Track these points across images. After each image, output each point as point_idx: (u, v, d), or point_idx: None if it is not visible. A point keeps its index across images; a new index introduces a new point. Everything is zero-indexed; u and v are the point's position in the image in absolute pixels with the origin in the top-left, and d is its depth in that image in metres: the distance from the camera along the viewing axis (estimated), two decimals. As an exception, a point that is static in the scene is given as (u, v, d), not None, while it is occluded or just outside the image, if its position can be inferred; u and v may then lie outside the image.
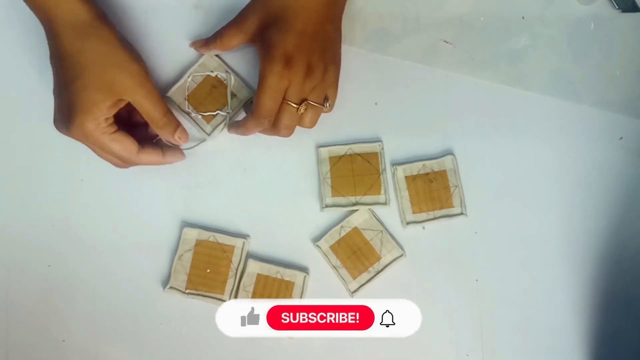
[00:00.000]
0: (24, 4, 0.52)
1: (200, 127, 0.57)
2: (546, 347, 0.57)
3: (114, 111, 0.52)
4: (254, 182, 0.57)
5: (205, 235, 0.56)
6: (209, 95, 0.57)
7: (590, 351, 0.57)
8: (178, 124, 0.55)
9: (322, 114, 0.55)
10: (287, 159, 0.58)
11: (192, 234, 0.56)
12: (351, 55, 0.57)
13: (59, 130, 0.52)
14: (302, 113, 0.53)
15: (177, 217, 0.57)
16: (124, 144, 0.52)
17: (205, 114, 0.57)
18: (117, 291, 0.57)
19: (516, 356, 0.57)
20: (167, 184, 0.57)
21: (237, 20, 0.54)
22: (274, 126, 0.53)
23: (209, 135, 0.57)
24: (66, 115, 0.51)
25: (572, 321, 0.57)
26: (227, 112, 0.57)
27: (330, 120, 0.57)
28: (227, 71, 0.58)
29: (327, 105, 0.54)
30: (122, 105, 0.52)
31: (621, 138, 0.58)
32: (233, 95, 0.58)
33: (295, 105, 0.52)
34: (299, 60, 0.50)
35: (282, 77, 0.50)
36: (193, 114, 0.57)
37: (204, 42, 0.56)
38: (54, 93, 0.53)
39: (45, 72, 0.57)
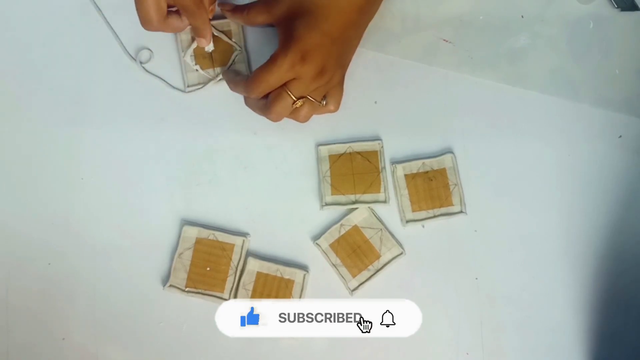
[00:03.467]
0: (24, 3, 0.52)
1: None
2: (546, 346, 0.56)
3: None
4: (253, 180, 0.58)
5: (205, 233, 0.56)
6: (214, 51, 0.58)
7: (590, 350, 0.56)
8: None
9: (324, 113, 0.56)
10: (287, 158, 0.58)
11: (192, 232, 0.56)
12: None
13: None
14: (297, 107, 0.53)
15: (177, 215, 0.57)
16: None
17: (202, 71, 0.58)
18: (117, 289, 0.57)
19: (516, 355, 0.56)
20: (167, 182, 0.57)
21: (268, 1, 0.54)
22: (266, 107, 0.53)
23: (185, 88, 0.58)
24: None
25: (571, 320, 0.57)
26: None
27: (330, 119, 0.57)
28: (240, 46, 0.58)
29: (324, 103, 0.54)
30: None
31: (620, 137, 0.58)
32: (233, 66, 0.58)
33: (293, 98, 0.52)
34: (314, 59, 0.50)
35: (292, 68, 0.50)
36: (188, 60, 0.58)
37: (232, 8, 0.56)
38: None
39: (45, 71, 0.58)
